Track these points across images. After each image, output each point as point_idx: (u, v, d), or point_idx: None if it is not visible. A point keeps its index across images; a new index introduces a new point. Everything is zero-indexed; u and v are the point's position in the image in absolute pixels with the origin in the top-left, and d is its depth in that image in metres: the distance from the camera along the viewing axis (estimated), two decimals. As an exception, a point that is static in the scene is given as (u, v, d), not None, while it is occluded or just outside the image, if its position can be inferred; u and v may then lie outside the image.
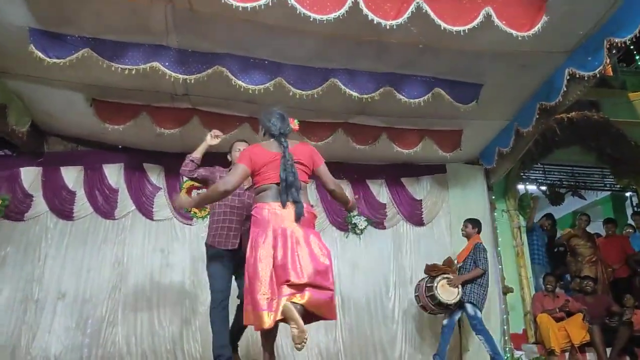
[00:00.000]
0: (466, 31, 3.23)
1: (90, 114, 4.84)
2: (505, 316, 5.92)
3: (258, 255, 2.71)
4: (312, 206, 3.00)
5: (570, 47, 4.04)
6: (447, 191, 6.35)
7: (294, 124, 3.18)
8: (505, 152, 5.55)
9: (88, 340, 5.12)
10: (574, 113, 6.49)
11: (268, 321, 2.60)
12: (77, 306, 5.20)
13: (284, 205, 2.76)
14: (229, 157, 3.90)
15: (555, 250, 7.46)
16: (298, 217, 2.76)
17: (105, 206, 5.61)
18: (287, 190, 2.78)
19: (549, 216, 7.38)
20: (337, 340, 5.56)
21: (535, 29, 3.28)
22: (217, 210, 3.74)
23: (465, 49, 3.90)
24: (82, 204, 5.59)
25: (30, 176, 5.60)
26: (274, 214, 2.77)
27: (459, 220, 6.18)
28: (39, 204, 5.51)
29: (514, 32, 3.28)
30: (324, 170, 3.01)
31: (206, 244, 3.74)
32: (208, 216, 5.63)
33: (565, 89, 4.24)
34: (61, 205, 5.54)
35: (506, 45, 3.81)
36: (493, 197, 6.52)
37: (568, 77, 4.16)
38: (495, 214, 6.50)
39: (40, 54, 3.60)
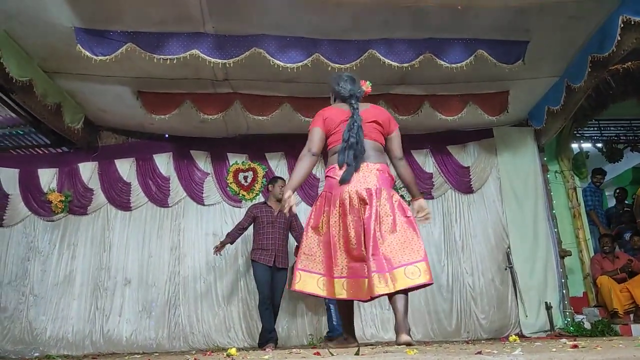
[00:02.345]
0: (508, -14, 3.08)
1: (138, 106, 5.02)
2: (563, 280, 5.76)
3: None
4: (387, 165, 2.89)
5: (623, -8, 3.77)
6: (495, 156, 6.15)
7: (366, 86, 3.07)
8: (556, 111, 5.28)
9: (154, 323, 5.43)
10: (629, 63, 6.05)
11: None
12: (142, 291, 5.53)
13: (340, 167, 2.73)
14: (270, 187, 5.14)
15: (622, 211, 7.17)
16: (343, 181, 2.71)
17: (158, 195, 5.84)
18: (347, 152, 2.72)
19: (599, 171, 7.01)
20: (391, 312, 5.58)
21: (584, -24, 3.08)
22: (260, 231, 4.93)
23: (508, 5, 3.73)
24: (137, 194, 5.86)
25: (87, 171, 5.91)
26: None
27: (510, 185, 6.04)
28: (99, 197, 5.82)
29: (560, -18, 3.09)
30: (396, 136, 2.93)
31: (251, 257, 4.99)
32: (256, 198, 5.85)
33: (619, 38, 3.96)
34: (119, 196, 5.82)
35: (552, -3, 3.61)
36: (545, 159, 6.27)
37: (622, 25, 3.88)
38: (548, 175, 6.27)
39: (87, 53, 3.75)
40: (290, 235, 5.15)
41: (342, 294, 2.60)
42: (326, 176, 2.84)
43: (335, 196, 2.70)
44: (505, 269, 5.73)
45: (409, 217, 2.68)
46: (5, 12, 3.67)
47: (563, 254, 5.87)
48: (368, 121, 2.84)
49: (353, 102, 2.89)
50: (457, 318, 5.60)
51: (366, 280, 2.53)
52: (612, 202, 8.09)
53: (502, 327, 5.57)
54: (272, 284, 4.81)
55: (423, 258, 2.54)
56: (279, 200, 4.67)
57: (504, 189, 6.04)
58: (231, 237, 5.02)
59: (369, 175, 2.71)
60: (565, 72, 4.90)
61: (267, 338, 4.64)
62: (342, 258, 2.64)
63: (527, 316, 5.53)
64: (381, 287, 2.45)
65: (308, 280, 2.69)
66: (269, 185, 5.14)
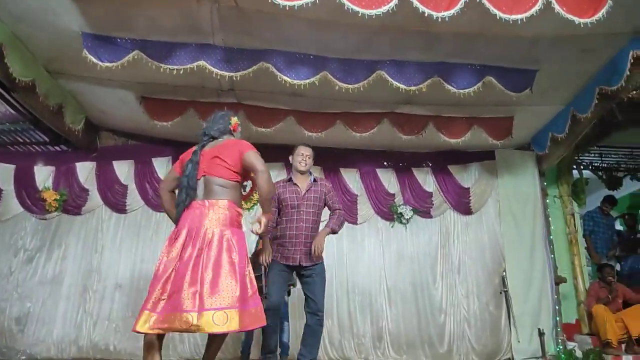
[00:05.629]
0: (524, 20, 3.05)
1: (140, 111, 4.96)
2: (557, 307, 5.75)
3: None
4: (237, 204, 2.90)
5: (636, 28, 3.75)
6: (496, 178, 6.13)
7: (233, 121, 3.23)
8: (560, 138, 5.28)
9: (144, 329, 5.33)
10: (634, 92, 6.06)
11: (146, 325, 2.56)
12: (132, 296, 5.42)
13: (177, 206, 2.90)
14: (290, 158, 3.97)
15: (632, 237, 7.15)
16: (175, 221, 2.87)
17: (155, 199, 5.75)
18: (182, 191, 2.87)
19: (611, 200, 6.95)
20: (384, 331, 5.57)
21: (600, 14, 3.05)
22: (283, 217, 3.82)
23: (521, 35, 3.70)
24: (134, 197, 5.78)
25: (85, 171, 5.84)
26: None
27: (509, 208, 6.03)
28: (94, 198, 5.74)
29: (576, 18, 3.07)
30: (248, 157, 2.86)
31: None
32: (254, 208, 5.80)
33: (628, 73, 3.95)
34: (114, 198, 5.75)
35: (565, 30, 3.56)
36: (545, 183, 6.26)
37: (632, 61, 3.87)
38: (547, 200, 6.25)
39: (93, 59, 3.69)
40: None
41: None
42: None
43: (178, 232, 2.78)
44: (500, 293, 5.71)
45: (233, 259, 2.68)
46: (14, 14, 3.61)
47: (558, 281, 5.86)
48: (211, 157, 2.91)
49: (204, 139, 3.06)
50: (450, 341, 5.57)
51: (178, 315, 2.53)
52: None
53: (494, 351, 5.55)
54: (305, 287, 3.77)
55: (234, 305, 2.57)
56: (303, 173, 3.88)
57: (503, 212, 6.03)
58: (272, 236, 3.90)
59: (204, 213, 2.76)
60: (572, 102, 4.90)
61: (267, 353, 3.74)
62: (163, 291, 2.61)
63: (519, 341, 5.52)
64: (189, 324, 2.50)
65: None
66: (289, 156, 3.98)
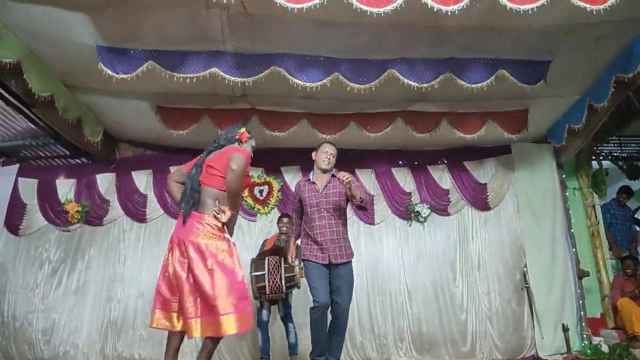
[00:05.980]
0: (535, 9, 3.02)
1: (156, 120, 5.04)
2: (581, 301, 5.64)
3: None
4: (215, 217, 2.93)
5: (650, 14, 3.70)
6: (513, 172, 6.05)
7: (241, 130, 3.30)
8: (577, 129, 5.19)
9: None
10: (653, 79, 5.96)
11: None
12: (155, 304, 5.48)
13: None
14: (313, 155, 3.90)
15: None
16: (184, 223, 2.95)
17: (174, 207, 5.82)
18: (190, 193, 2.98)
19: (626, 190, 6.83)
20: (405, 331, 5.53)
21: (612, 0, 3.01)
22: (307, 217, 3.78)
23: (532, 26, 3.67)
24: (153, 207, 5.87)
25: (105, 182, 5.95)
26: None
27: (527, 202, 5.95)
28: (115, 208, 5.85)
29: (588, 5, 3.03)
30: (232, 157, 2.91)
31: None
32: (271, 212, 5.84)
33: (644, 60, 3.90)
34: (135, 208, 5.84)
35: (577, 18, 3.54)
36: (563, 176, 6.16)
37: (648, 47, 3.83)
38: (567, 193, 6.14)
39: (109, 72, 3.77)
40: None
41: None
42: None
43: (173, 240, 2.98)
44: (522, 289, 5.63)
45: (219, 267, 2.82)
46: (28, 30, 3.70)
47: (581, 274, 5.76)
48: (207, 166, 3.02)
49: (212, 146, 3.18)
50: (472, 339, 5.51)
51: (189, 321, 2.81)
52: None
53: (518, 348, 5.47)
54: (331, 287, 3.64)
55: (230, 311, 2.74)
56: (325, 172, 3.80)
57: (522, 207, 5.95)
58: (295, 235, 4.03)
59: (189, 226, 2.91)
60: (587, 91, 4.83)
61: (319, 354, 3.62)
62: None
63: (543, 338, 5.43)
64: (196, 331, 2.79)
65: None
66: (313, 153, 3.90)
